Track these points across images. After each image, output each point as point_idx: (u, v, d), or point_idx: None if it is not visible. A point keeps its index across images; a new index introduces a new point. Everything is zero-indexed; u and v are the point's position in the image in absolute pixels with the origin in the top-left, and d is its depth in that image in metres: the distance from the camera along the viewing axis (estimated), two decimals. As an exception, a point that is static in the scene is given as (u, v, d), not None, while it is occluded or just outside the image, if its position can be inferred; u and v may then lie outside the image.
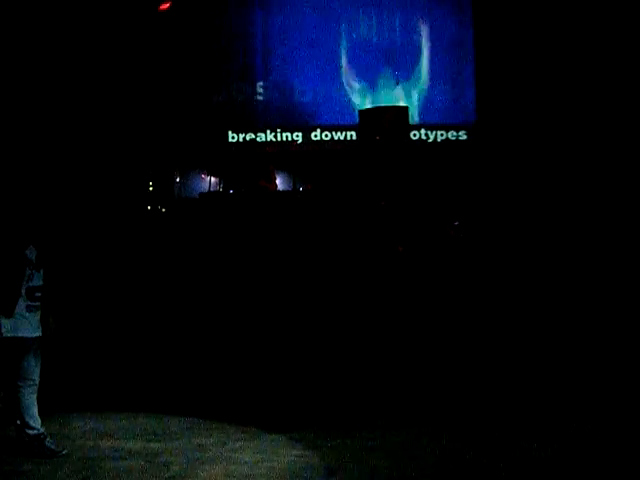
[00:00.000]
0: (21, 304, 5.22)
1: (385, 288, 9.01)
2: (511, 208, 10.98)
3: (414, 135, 14.01)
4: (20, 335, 5.20)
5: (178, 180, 14.41)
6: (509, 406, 6.48)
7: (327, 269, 9.23)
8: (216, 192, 13.67)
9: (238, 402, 6.59)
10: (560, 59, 12.95)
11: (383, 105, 13.54)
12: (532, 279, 8.86)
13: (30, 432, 5.25)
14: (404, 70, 14.39)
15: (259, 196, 11.90)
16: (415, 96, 14.38)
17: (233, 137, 14.25)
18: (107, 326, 8.30)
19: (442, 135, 14.27)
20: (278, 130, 14.23)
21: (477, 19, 14.29)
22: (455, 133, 14.26)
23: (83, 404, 6.52)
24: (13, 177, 9.47)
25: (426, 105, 14.46)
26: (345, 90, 14.44)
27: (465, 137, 14.25)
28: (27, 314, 5.24)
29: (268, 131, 14.25)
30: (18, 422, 5.29)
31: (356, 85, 14.38)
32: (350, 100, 14.39)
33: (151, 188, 13.77)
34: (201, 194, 13.40)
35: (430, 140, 14.24)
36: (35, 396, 5.30)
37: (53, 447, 5.26)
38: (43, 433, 5.27)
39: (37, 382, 5.30)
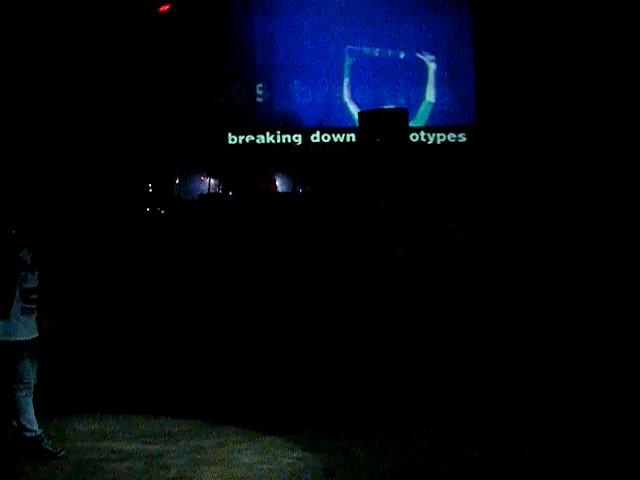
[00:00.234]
0: (15, 306, 5.19)
1: (385, 290, 9.00)
2: (510, 210, 10.98)
3: (414, 137, 14.01)
4: (14, 339, 5.17)
5: (177, 182, 14.41)
6: (510, 408, 6.47)
7: (327, 271, 9.23)
8: (215, 194, 13.69)
9: (237, 404, 6.58)
10: (560, 61, 12.96)
11: (383, 107, 13.55)
12: (531, 280, 8.86)
13: (27, 435, 5.23)
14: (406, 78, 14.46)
15: (258, 198, 11.91)
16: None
17: (233, 139, 14.26)
18: (107, 328, 8.28)
19: (442, 137, 14.28)
20: (278, 132, 14.24)
21: (476, 21, 14.30)
22: (455, 135, 14.27)
23: (82, 406, 6.51)
24: (8, 179, 9.46)
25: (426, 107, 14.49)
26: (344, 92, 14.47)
27: (465, 139, 14.26)
28: (22, 316, 5.21)
29: (268, 133, 14.26)
30: (15, 424, 5.28)
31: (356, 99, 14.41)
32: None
33: (150, 189, 13.78)
34: (200, 196, 13.42)
35: (430, 142, 14.25)
36: (31, 398, 5.27)
37: (51, 449, 5.24)
38: (40, 435, 5.26)
39: (32, 385, 5.27)
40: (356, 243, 9.90)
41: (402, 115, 12.62)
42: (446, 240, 10.22)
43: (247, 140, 14.28)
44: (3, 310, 5.14)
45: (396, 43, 14.45)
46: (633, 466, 5.02)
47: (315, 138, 14.24)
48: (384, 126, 11.98)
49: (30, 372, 5.27)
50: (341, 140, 14.24)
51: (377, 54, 14.50)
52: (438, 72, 14.52)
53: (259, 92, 14.61)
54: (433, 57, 14.52)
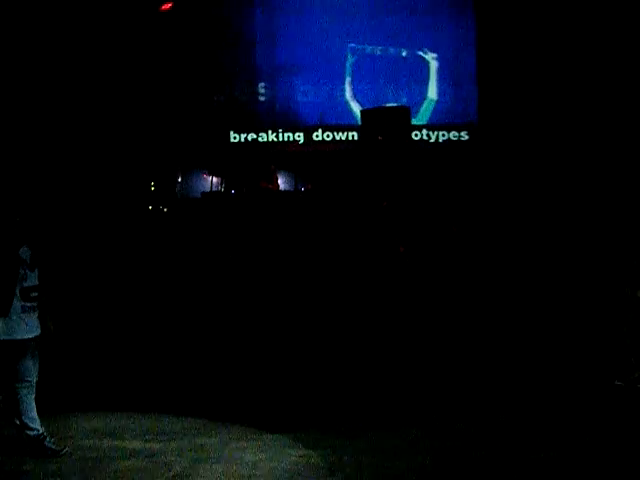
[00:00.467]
0: (16, 305, 5.18)
1: (386, 288, 9.00)
2: (513, 208, 10.97)
3: (416, 135, 14.00)
4: (15, 337, 5.17)
5: (180, 180, 14.41)
6: (509, 406, 6.47)
7: (329, 269, 9.23)
8: (218, 192, 13.68)
9: (240, 402, 6.59)
10: (561, 59, 12.94)
11: (385, 105, 13.53)
12: (534, 278, 8.85)
13: (30, 433, 5.25)
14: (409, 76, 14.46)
15: (261, 196, 11.90)
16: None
17: (235, 137, 14.27)
18: (109, 326, 8.29)
19: (444, 135, 14.27)
20: (280, 130, 14.23)
21: (479, 20, 14.28)
22: (457, 133, 14.26)
23: (85, 404, 6.52)
24: (7, 176, 9.45)
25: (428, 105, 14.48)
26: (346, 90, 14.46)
27: (467, 137, 14.25)
28: (22, 315, 5.20)
29: (270, 131, 14.25)
30: (17, 422, 5.28)
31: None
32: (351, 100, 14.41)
33: (153, 188, 13.78)
34: (203, 194, 13.41)
35: (432, 140, 14.24)
36: (33, 397, 5.28)
37: (53, 447, 5.26)
38: (43, 433, 5.27)
39: (34, 383, 5.28)
40: (358, 241, 9.89)
41: (404, 113, 12.62)
42: (447, 238, 10.21)
43: (249, 138, 14.28)
44: (3, 309, 5.13)
45: (398, 41, 14.44)
46: (632, 465, 5.02)
47: (317, 136, 14.24)
48: (386, 124, 11.99)
49: (32, 370, 5.27)
50: (343, 138, 14.23)
51: (379, 52, 14.49)
52: (440, 70, 14.51)
53: (261, 90, 14.60)
54: (435, 55, 14.50)
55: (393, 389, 6.99)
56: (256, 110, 14.59)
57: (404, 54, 14.48)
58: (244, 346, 7.92)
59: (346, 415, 6.30)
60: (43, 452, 5.20)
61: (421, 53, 14.47)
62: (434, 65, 14.49)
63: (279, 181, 13.23)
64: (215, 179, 14.01)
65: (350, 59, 14.45)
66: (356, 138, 13.97)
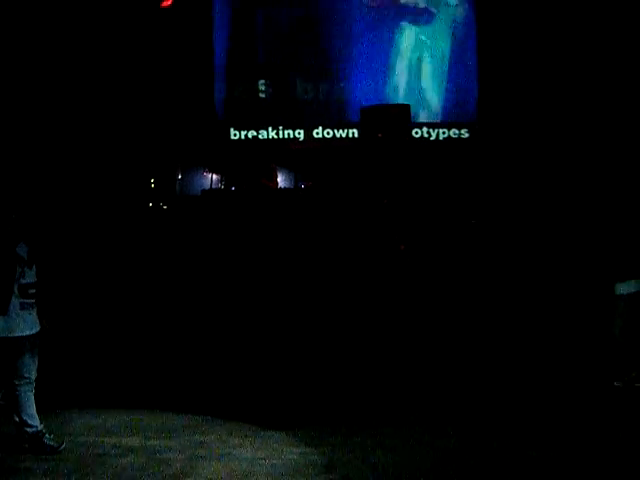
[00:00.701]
0: (14, 302, 5.17)
1: (387, 286, 9.00)
2: (513, 205, 10.97)
3: (416, 133, 14.01)
4: (14, 335, 5.16)
5: (180, 177, 14.41)
6: (511, 404, 6.47)
7: (328, 267, 9.23)
8: (218, 189, 13.68)
9: (239, 399, 6.59)
10: (562, 57, 12.94)
11: (385, 103, 13.54)
12: (534, 276, 8.86)
13: (29, 430, 5.24)
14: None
15: (261, 194, 11.90)
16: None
17: (235, 134, 14.25)
18: (108, 323, 8.30)
19: (444, 133, 14.27)
20: (280, 127, 14.22)
21: (480, 18, 14.27)
22: (457, 131, 14.25)
23: (84, 401, 6.51)
24: (3, 173, 9.44)
25: (428, 103, 14.47)
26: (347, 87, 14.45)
27: (467, 135, 14.24)
28: (21, 312, 5.19)
29: (270, 128, 14.24)
30: (16, 419, 5.28)
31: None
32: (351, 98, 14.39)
33: (153, 185, 13.78)
34: (203, 191, 13.41)
35: (432, 138, 14.23)
36: (32, 394, 5.28)
37: (52, 444, 5.25)
38: (41, 430, 5.26)
39: (33, 380, 5.27)
40: (358, 239, 9.89)
41: (404, 111, 12.63)
42: (448, 235, 10.21)
43: (249, 135, 14.26)
44: (2, 307, 5.12)
45: (399, 40, 14.44)
46: (632, 465, 5.02)
47: (317, 134, 14.22)
48: (386, 122, 11.99)
49: (31, 367, 5.27)
50: (343, 136, 14.22)
51: (380, 50, 14.47)
52: (441, 68, 14.50)
53: (261, 87, 14.59)
54: (436, 53, 14.49)
55: (392, 387, 6.99)
56: (256, 107, 14.57)
57: (405, 53, 14.47)
58: (243, 343, 7.92)
59: (345, 413, 6.29)
60: (42, 449, 5.20)
61: (422, 51, 14.46)
62: (435, 64, 14.48)
63: (278, 179, 13.24)
64: (215, 176, 14.02)
65: (351, 56, 14.43)
66: (356, 136, 13.97)
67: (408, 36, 14.53)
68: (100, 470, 4.94)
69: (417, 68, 14.54)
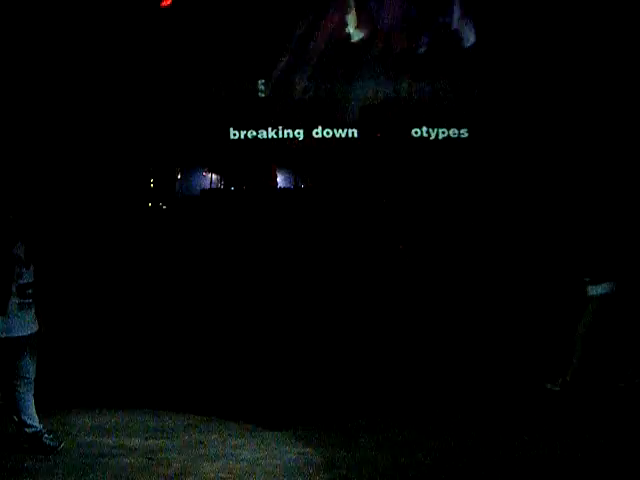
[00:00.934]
0: (13, 302, 5.17)
1: (386, 286, 9.01)
2: (512, 205, 10.97)
3: (415, 133, 13.99)
4: (13, 335, 5.16)
5: (179, 177, 14.41)
6: (511, 404, 6.48)
7: (328, 267, 9.24)
8: (217, 189, 13.69)
9: (239, 399, 6.59)
10: (562, 57, 12.93)
11: (385, 102, 13.53)
12: (534, 275, 8.86)
13: (28, 430, 5.25)
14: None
15: (260, 194, 11.91)
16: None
17: (234, 134, 14.23)
18: (108, 323, 8.30)
19: (444, 133, 14.25)
20: (279, 127, 14.20)
21: (479, 17, 14.26)
22: (457, 131, 14.23)
23: (84, 401, 6.52)
24: (7, 172, 9.43)
25: (428, 102, 14.45)
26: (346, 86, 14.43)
27: (467, 135, 14.22)
28: (19, 312, 5.20)
29: (269, 128, 14.22)
30: (16, 419, 5.29)
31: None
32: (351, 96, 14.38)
33: (152, 185, 13.77)
34: (202, 191, 13.42)
35: (432, 138, 14.21)
36: (32, 393, 5.28)
37: (51, 443, 5.25)
38: (40, 430, 5.27)
39: (33, 379, 5.28)
40: (358, 239, 9.90)
41: (404, 110, 12.63)
42: (447, 235, 10.22)
43: (249, 135, 14.24)
44: (1, 307, 5.12)
45: (399, 39, 14.42)
46: (632, 465, 5.02)
47: (317, 133, 14.21)
48: (385, 121, 11.99)
49: (30, 367, 5.27)
50: (343, 135, 14.20)
51: (380, 49, 14.45)
52: (441, 67, 14.48)
53: (261, 87, 14.57)
54: (436, 52, 14.47)
55: (392, 386, 6.99)
56: (256, 107, 14.55)
57: (405, 51, 14.46)
58: (243, 343, 7.93)
59: (345, 412, 6.30)
60: (41, 449, 5.20)
61: (422, 50, 14.45)
62: (435, 62, 14.47)
63: (278, 179, 13.25)
64: (215, 176, 14.02)
65: (350, 55, 14.42)
66: (356, 135, 13.96)
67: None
68: (100, 470, 4.94)
69: (419, 66, 14.52)
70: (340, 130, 14.18)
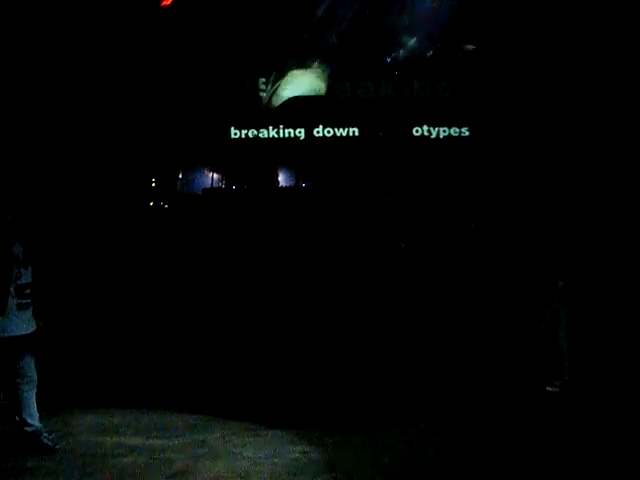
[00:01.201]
0: (12, 303, 5.19)
1: (388, 285, 9.01)
2: (513, 204, 10.97)
3: (417, 131, 13.99)
4: (12, 335, 5.18)
5: (181, 176, 14.41)
6: (511, 404, 6.48)
7: (329, 266, 9.24)
8: (219, 188, 13.70)
9: (241, 398, 6.59)
10: (562, 56, 12.92)
11: (385, 101, 13.51)
12: (536, 275, 8.84)
13: (28, 429, 5.26)
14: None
15: (261, 192, 11.92)
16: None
17: (236, 133, 14.23)
18: (110, 323, 8.31)
19: (445, 131, 14.25)
20: (281, 126, 14.20)
21: (479, 15, 14.23)
22: (458, 129, 14.23)
23: (86, 400, 6.53)
24: (8, 172, 9.44)
25: (429, 101, 14.44)
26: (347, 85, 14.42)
27: (468, 133, 14.22)
28: (18, 312, 5.22)
29: (271, 127, 14.21)
30: (17, 418, 5.30)
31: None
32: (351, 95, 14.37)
33: (154, 184, 13.78)
34: (204, 190, 13.43)
35: (433, 136, 14.21)
36: (34, 392, 5.30)
37: (49, 443, 5.26)
38: (40, 430, 5.28)
39: (35, 378, 5.30)
40: (360, 237, 9.90)
41: (405, 109, 12.62)
42: (449, 233, 10.22)
43: (250, 134, 14.24)
44: (0, 308, 5.14)
45: (400, 38, 14.41)
46: (632, 465, 5.03)
47: (318, 132, 14.21)
48: (387, 120, 11.99)
49: (31, 366, 5.29)
50: (344, 134, 14.20)
51: (380, 48, 14.44)
52: (441, 66, 14.47)
53: (262, 86, 14.56)
54: (436, 51, 14.46)
55: (394, 386, 7.00)
56: (257, 106, 14.54)
57: (405, 51, 14.45)
58: (245, 342, 7.93)
59: (346, 412, 6.30)
60: (39, 448, 5.21)
61: (423, 49, 14.43)
62: (435, 62, 14.45)
63: (279, 178, 13.25)
64: (216, 175, 14.03)
65: (351, 54, 14.40)
66: (357, 134, 13.95)
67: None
68: (102, 470, 4.95)
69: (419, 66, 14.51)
70: (341, 129, 14.18)
